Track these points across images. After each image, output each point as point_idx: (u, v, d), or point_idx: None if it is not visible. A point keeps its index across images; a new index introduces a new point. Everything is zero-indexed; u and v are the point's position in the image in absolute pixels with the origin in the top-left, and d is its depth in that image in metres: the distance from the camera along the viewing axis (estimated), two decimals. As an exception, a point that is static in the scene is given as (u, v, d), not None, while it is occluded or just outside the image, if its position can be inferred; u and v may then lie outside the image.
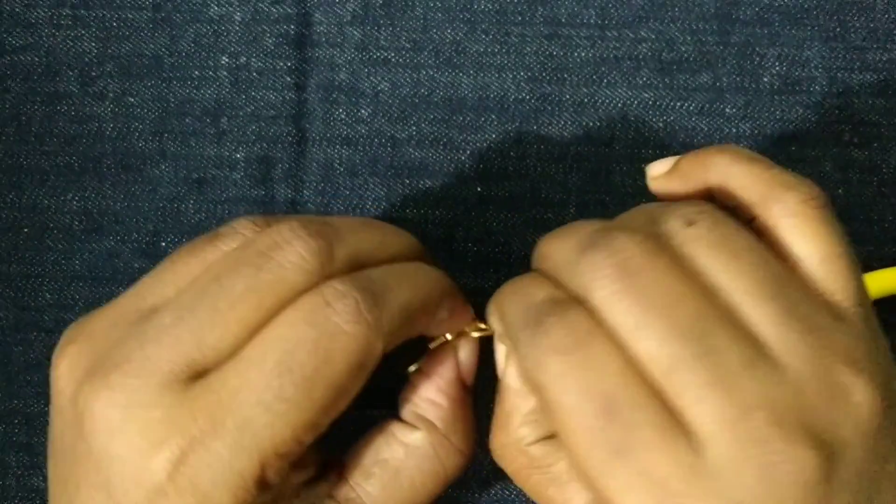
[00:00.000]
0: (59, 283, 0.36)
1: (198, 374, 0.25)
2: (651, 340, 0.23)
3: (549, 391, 0.24)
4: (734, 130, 0.36)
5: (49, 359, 0.28)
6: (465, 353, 0.30)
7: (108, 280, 0.36)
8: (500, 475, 0.34)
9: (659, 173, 0.29)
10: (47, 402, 0.27)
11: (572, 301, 0.24)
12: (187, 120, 0.37)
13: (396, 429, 0.30)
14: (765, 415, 0.22)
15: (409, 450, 0.29)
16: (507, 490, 0.34)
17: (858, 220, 0.36)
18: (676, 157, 0.29)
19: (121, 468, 0.25)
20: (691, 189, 0.28)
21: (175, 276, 0.27)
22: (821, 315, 0.24)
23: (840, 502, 0.22)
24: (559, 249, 0.26)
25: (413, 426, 0.29)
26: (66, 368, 0.26)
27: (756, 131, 0.36)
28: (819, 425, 0.22)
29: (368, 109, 0.37)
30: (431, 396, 0.30)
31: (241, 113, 0.37)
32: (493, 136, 0.36)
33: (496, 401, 0.29)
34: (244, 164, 0.36)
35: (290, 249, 0.26)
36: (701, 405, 0.22)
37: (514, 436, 0.27)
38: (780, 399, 0.22)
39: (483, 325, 0.30)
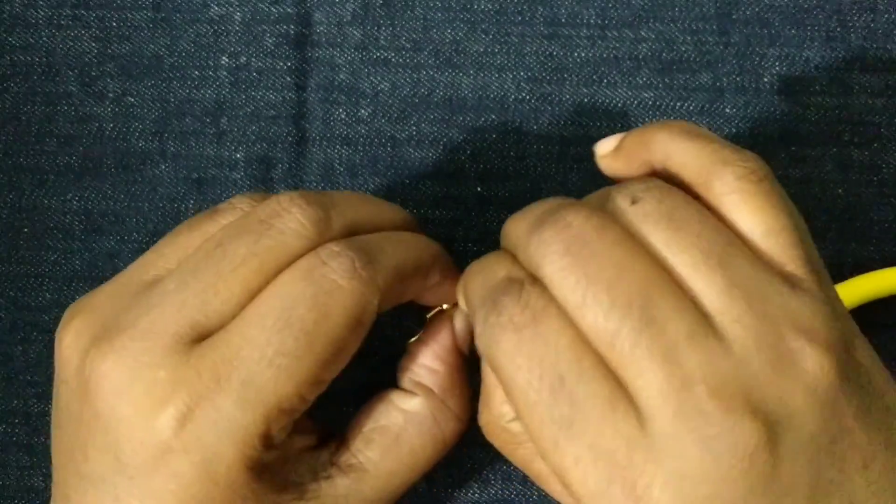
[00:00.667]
0: (59, 283, 0.36)
1: (202, 336, 0.26)
2: (596, 314, 0.23)
3: (503, 369, 0.24)
4: (734, 130, 0.36)
5: (50, 359, 0.28)
6: (460, 322, 0.31)
7: (108, 280, 0.36)
8: (500, 475, 0.34)
9: (605, 152, 0.28)
10: (47, 402, 0.27)
11: (528, 278, 0.25)
12: (187, 120, 0.37)
13: (395, 396, 0.30)
14: (705, 388, 0.22)
15: (408, 416, 0.29)
16: (507, 490, 0.34)
17: (858, 220, 0.36)
18: (622, 135, 0.28)
19: (128, 428, 0.25)
20: (635, 170, 0.27)
21: (176, 249, 0.28)
22: (770, 285, 0.23)
23: (788, 473, 0.22)
24: (517, 227, 0.26)
25: (411, 393, 0.30)
26: (71, 339, 0.27)
27: (756, 131, 0.36)
28: (764, 396, 0.22)
29: (368, 109, 0.37)
30: (428, 363, 0.30)
31: (241, 113, 0.37)
32: (493, 136, 0.36)
33: (481, 378, 0.29)
34: (244, 164, 0.36)
35: (289, 217, 0.27)
36: (643, 377, 0.22)
37: (496, 413, 0.28)
38: (723, 371, 0.22)
39: None
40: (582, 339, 0.23)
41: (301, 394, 0.26)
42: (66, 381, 0.27)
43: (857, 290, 0.34)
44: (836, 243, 0.36)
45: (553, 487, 0.27)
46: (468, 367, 0.31)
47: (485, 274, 0.26)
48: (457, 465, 0.34)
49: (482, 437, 0.34)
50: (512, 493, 0.34)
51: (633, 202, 0.24)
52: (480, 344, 0.25)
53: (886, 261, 0.36)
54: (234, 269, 0.26)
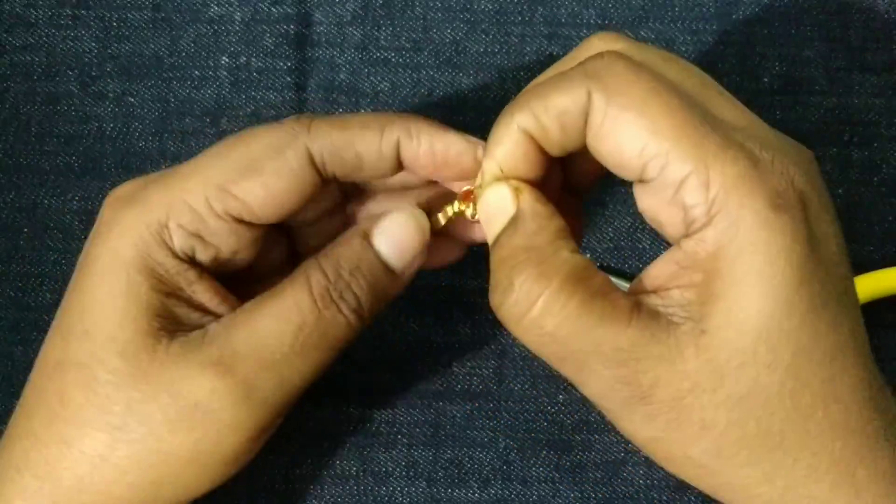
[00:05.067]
0: (59, 283, 0.36)
1: None
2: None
3: (620, 78, 0.24)
4: (734, 130, 0.36)
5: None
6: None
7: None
8: (500, 475, 0.34)
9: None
10: (47, 402, 0.28)
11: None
12: (187, 120, 0.37)
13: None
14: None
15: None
16: (507, 490, 0.34)
17: (858, 220, 0.36)
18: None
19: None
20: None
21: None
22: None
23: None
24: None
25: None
26: (107, 204, 0.29)
27: (756, 131, 0.36)
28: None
29: (368, 109, 0.37)
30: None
31: (241, 113, 0.37)
32: (493, 136, 0.36)
33: (497, 253, 0.26)
34: (244, 164, 0.36)
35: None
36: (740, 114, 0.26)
37: (550, 251, 0.25)
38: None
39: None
40: None
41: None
42: (94, 233, 0.29)
43: (857, 290, 0.34)
44: (836, 243, 0.36)
45: None
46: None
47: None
48: (457, 465, 0.34)
49: (482, 436, 0.34)
50: (512, 493, 0.34)
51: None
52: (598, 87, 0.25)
53: (886, 261, 0.36)
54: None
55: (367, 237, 0.29)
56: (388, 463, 0.34)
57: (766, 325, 0.23)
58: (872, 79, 0.37)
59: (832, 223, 0.25)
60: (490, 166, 0.26)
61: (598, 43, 0.27)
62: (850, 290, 0.25)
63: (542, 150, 0.26)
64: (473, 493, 0.34)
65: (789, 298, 0.23)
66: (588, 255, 0.36)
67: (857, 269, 0.35)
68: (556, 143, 0.25)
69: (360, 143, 0.28)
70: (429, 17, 0.37)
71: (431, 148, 0.28)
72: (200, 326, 0.28)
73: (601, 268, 0.26)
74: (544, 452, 0.35)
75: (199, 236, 0.28)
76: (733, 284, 0.23)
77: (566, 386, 0.35)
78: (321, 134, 0.28)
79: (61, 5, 0.37)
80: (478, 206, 0.26)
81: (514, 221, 0.25)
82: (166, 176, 0.29)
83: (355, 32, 0.37)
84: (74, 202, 0.36)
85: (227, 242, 0.28)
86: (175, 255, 0.28)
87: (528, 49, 0.37)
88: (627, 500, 0.34)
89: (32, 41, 0.37)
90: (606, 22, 0.37)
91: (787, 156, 0.24)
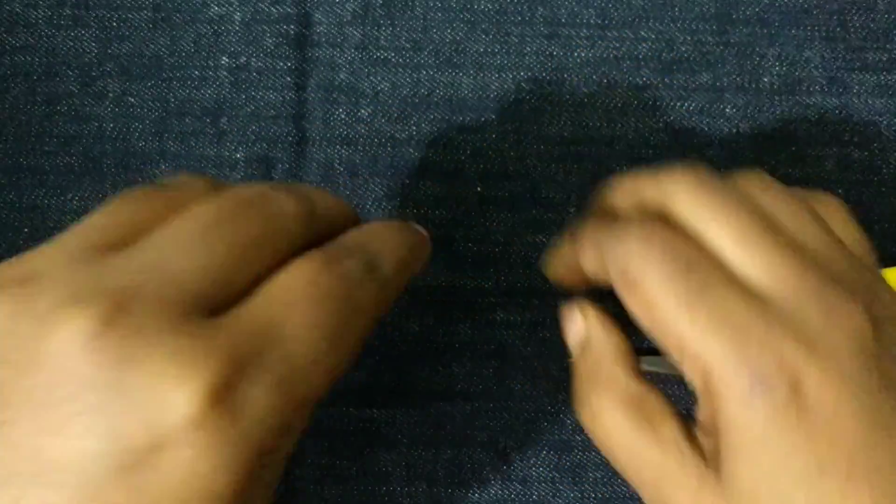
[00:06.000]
0: (59, 283, 0.36)
1: (209, 310, 0.23)
2: (720, 222, 0.26)
3: (632, 267, 0.26)
4: (734, 130, 0.36)
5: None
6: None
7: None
8: (500, 475, 0.34)
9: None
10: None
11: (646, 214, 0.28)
12: (187, 120, 0.37)
13: None
14: (820, 273, 0.25)
15: None
16: (507, 490, 0.34)
17: (858, 220, 0.36)
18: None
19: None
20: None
21: (131, 215, 0.24)
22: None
23: (886, 367, 0.24)
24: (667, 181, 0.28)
25: None
26: (75, 326, 0.22)
27: (756, 131, 0.36)
28: (859, 289, 0.25)
29: (368, 109, 0.37)
30: None
31: (241, 113, 0.37)
32: (493, 136, 0.36)
33: (576, 371, 0.29)
34: (244, 164, 0.36)
35: (283, 202, 0.25)
36: (769, 268, 0.25)
37: (611, 375, 0.28)
38: (836, 267, 0.26)
39: None
40: (702, 244, 0.26)
41: (327, 387, 0.24)
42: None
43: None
44: (836, 243, 0.36)
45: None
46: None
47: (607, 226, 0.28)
48: (457, 465, 0.34)
49: (482, 437, 0.34)
50: (512, 493, 0.34)
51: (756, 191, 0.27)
52: (609, 258, 0.27)
53: (886, 261, 0.36)
54: (246, 245, 0.24)
55: None
56: (388, 463, 0.34)
57: (764, 489, 0.24)
58: (872, 79, 0.37)
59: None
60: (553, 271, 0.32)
61: (673, 186, 0.28)
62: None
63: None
64: (473, 493, 0.34)
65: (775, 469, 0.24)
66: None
67: (857, 269, 0.35)
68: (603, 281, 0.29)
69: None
70: (429, 17, 0.37)
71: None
72: None
73: (639, 351, 0.30)
74: (544, 452, 0.35)
75: None
76: (728, 454, 0.25)
77: (566, 386, 0.35)
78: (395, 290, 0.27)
79: (61, 5, 0.37)
80: (563, 326, 0.30)
81: (585, 343, 0.29)
82: None
83: (355, 32, 0.37)
84: (74, 202, 0.36)
85: None
86: None
87: (528, 49, 0.37)
88: (627, 500, 0.34)
89: (32, 41, 0.37)
90: (606, 22, 0.37)
91: (786, 328, 0.25)
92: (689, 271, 0.25)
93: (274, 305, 0.23)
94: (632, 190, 0.29)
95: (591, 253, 0.28)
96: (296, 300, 0.23)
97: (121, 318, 0.21)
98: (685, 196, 0.27)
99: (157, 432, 0.20)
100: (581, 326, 0.29)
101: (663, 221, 0.27)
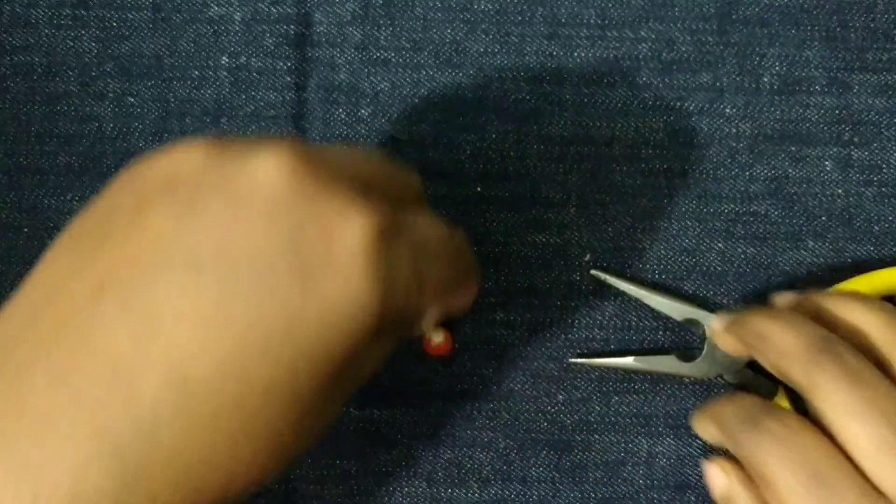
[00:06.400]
0: (59, 283, 0.36)
1: None
2: (859, 425, 0.27)
3: (767, 469, 0.28)
4: (734, 130, 0.36)
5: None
6: None
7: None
8: (500, 475, 0.34)
9: (719, 329, 0.33)
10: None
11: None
12: (187, 120, 0.37)
13: None
14: None
15: None
16: (507, 490, 0.34)
17: (858, 220, 0.36)
18: (732, 318, 0.33)
19: None
20: (743, 353, 0.33)
21: None
22: None
23: None
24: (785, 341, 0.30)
25: None
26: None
27: (756, 131, 0.36)
28: None
29: (368, 109, 0.37)
30: None
31: (241, 113, 0.37)
32: (493, 136, 0.36)
33: None
34: (244, 164, 0.36)
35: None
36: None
37: None
38: None
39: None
40: (837, 448, 0.28)
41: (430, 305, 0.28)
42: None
43: (857, 290, 0.34)
44: (836, 243, 0.36)
45: None
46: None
47: (737, 404, 0.31)
48: (457, 465, 0.34)
49: (482, 436, 0.34)
50: (512, 493, 0.34)
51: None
52: (743, 455, 0.29)
53: (886, 261, 0.36)
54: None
55: None
56: (388, 463, 0.34)
57: None
58: (872, 79, 0.37)
59: None
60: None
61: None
62: None
63: None
64: (473, 493, 0.34)
65: None
66: (588, 256, 0.36)
67: (857, 270, 0.35)
68: None
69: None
70: (429, 17, 0.37)
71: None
72: None
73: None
74: (544, 452, 0.35)
75: None
76: None
77: (566, 386, 0.35)
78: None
79: (61, 5, 0.37)
80: (707, 480, 0.32)
81: (727, 499, 0.31)
82: None
83: (355, 32, 0.37)
84: (74, 202, 0.36)
85: None
86: None
87: (528, 49, 0.37)
88: (627, 500, 0.34)
89: (32, 41, 0.37)
90: (606, 22, 0.37)
91: None
92: (821, 483, 0.27)
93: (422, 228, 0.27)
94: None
95: (711, 430, 0.31)
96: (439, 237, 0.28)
97: (320, 167, 0.24)
98: (833, 386, 0.28)
99: (332, 248, 0.24)
100: (724, 483, 0.31)
101: (802, 421, 0.28)
